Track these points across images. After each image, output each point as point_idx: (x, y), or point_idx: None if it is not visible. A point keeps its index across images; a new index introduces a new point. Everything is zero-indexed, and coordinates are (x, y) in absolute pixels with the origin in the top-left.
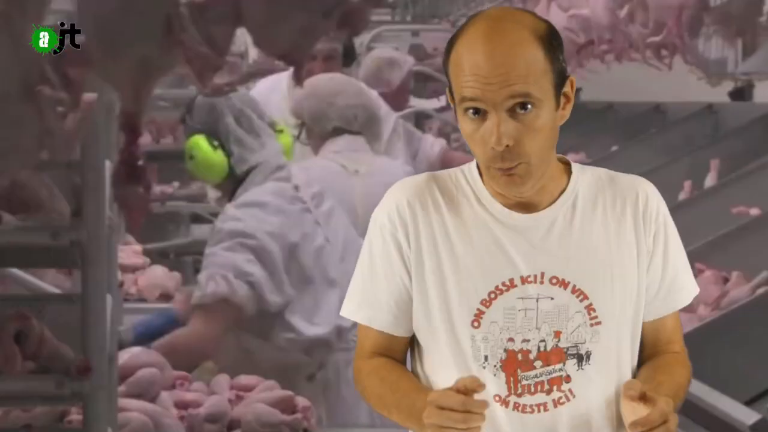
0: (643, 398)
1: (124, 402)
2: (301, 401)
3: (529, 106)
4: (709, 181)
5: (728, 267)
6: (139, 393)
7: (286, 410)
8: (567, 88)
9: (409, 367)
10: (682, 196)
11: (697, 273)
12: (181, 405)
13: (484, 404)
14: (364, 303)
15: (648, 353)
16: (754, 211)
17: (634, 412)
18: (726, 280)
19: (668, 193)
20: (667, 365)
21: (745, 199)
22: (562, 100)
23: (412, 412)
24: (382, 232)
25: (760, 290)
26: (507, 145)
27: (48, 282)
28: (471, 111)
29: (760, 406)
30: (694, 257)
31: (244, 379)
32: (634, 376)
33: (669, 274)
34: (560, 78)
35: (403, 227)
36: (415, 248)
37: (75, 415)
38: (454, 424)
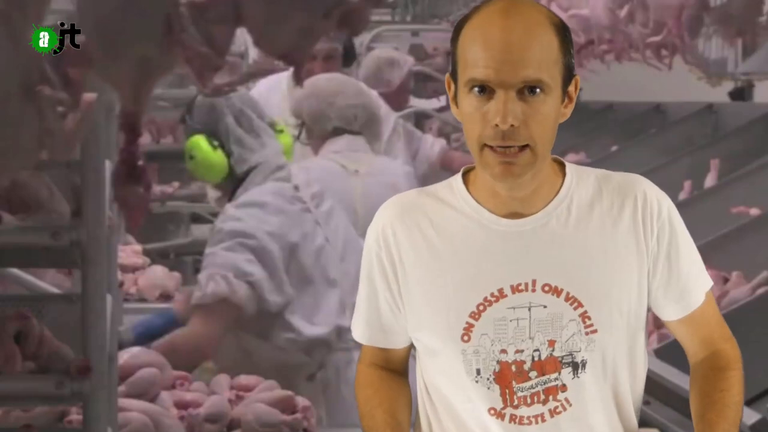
0: None
1: (124, 402)
2: (301, 401)
3: (538, 90)
4: (709, 181)
5: (728, 267)
6: (139, 393)
7: (286, 410)
8: (571, 87)
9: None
10: (682, 196)
11: None
12: (181, 405)
13: None
14: (360, 319)
15: (694, 356)
16: (754, 211)
17: None
18: (726, 280)
19: (668, 193)
20: (713, 385)
21: (745, 199)
22: (565, 98)
23: None
24: (370, 253)
25: (760, 290)
26: (512, 126)
27: (48, 282)
28: (477, 88)
29: (760, 406)
30: None
31: (244, 379)
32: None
33: (682, 272)
34: (568, 73)
35: (387, 249)
36: (400, 269)
37: (75, 415)
38: None
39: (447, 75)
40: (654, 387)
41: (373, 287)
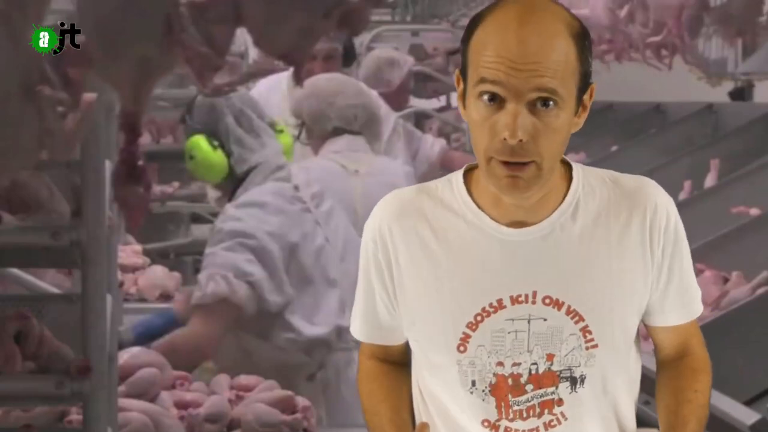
0: None
1: (124, 402)
2: (301, 401)
3: (551, 103)
4: (709, 181)
5: (728, 267)
6: (139, 393)
7: (286, 410)
8: (587, 96)
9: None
10: (682, 196)
11: (697, 273)
12: (181, 405)
13: None
14: (358, 316)
15: (669, 355)
16: (754, 211)
17: None
18: (726, 280)
19: (668, 193)
20: (687, 383)
21: (745, 199)
22: (579, 108)
23: None
24: (366, 251)
25: (760, 290)
26: (520, 141)
27: (48, 282)
28: (487, 96)
29: (760, 406)
30: (694, 257)
31: (244, 379)
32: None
33: (683, 282)
34: (584, 82)
35: (383, 248)
36: (396, 270)
37: (75, 415)
38: None
39: (457, 71)
40: (654, 387)
41: (371, 285)
